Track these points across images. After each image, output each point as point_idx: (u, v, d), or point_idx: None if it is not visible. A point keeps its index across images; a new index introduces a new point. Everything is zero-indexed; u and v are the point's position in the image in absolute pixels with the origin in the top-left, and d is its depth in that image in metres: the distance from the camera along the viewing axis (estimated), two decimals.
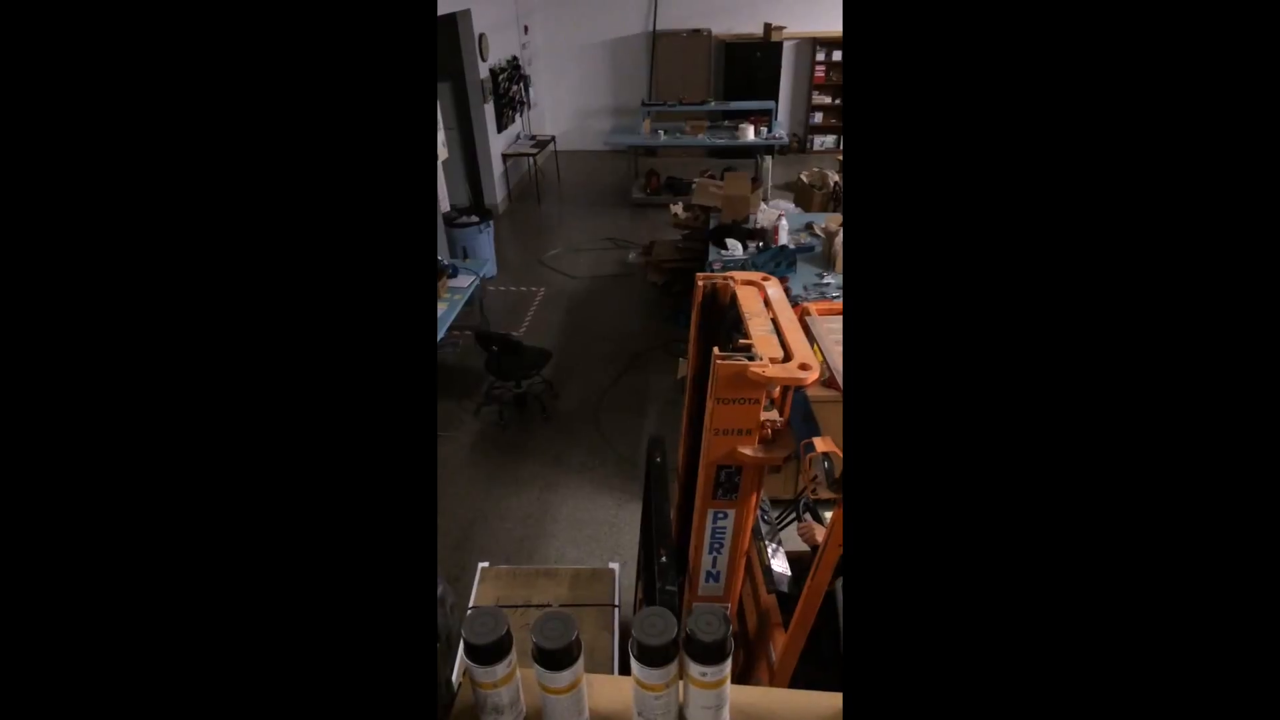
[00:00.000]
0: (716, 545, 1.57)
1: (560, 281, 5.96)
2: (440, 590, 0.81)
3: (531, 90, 8.38)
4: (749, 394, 1.31)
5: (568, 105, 9.22)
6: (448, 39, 6.50)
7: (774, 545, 1.99)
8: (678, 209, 5.66)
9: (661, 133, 7.73)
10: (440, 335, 3.91)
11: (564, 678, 0.70)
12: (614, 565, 2.43)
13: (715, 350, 1.30)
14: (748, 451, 1.38)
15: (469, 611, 0.71)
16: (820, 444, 1.35)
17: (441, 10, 5.86)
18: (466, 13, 6.48)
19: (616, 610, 2.27)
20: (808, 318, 1.59)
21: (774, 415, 1.48)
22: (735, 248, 4.50)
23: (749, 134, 7.48)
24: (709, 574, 1.61)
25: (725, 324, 1.58)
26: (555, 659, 0.68)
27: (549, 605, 2.25)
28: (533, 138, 8.33)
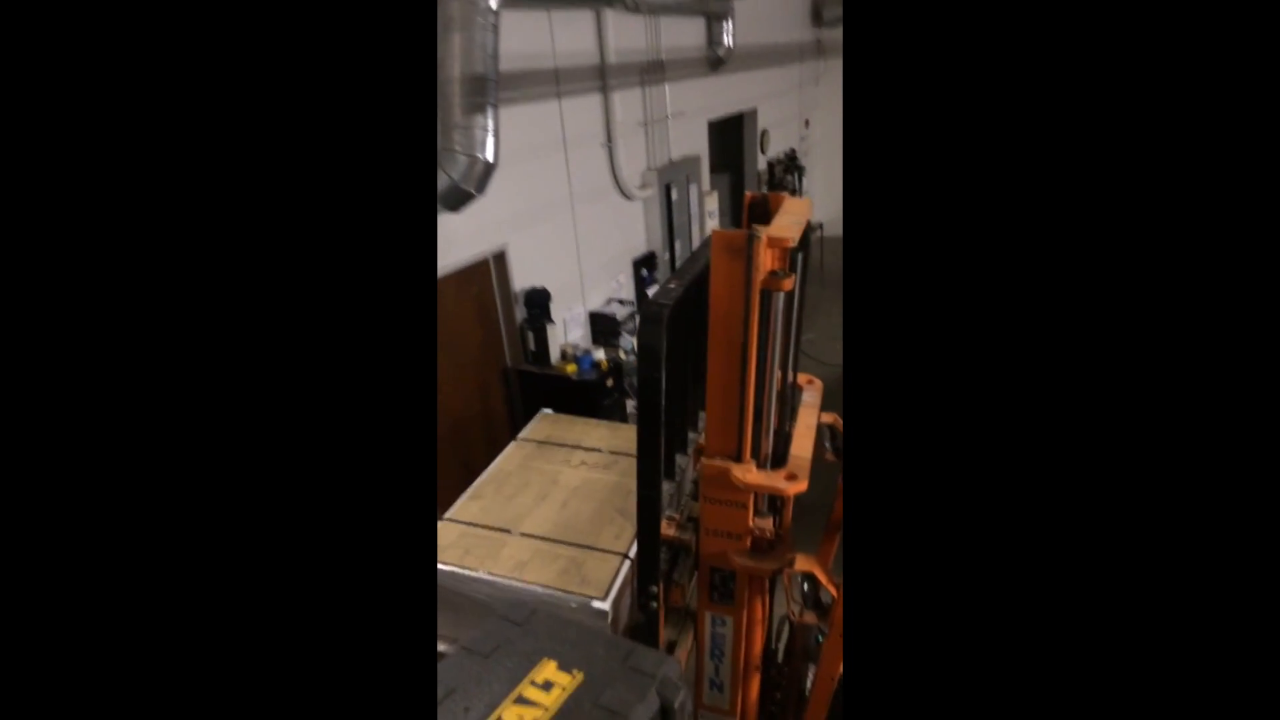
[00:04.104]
0: (717, 652, 1.47)
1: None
2: (680, 698, 0.87)
3: (805, 179, 8.63)
4: (733, 496, 1.28)
5: (837, 193, 9.30)
6: (734, 135, 7.03)
7: None
8: None
9: None
10: None
11: None
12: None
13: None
14: (735, 557, 1.34)
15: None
16: (801, 561, 1.25)
17: (732, 110, 6.39)
18: (754, 111, 6.96)
19: None
20: None
21: (768, 523, 1.39)
22: None
23: None
24: (712, 682, 1.51)
25: None
26: None
27: (599, 450, 2.21)
28: None
